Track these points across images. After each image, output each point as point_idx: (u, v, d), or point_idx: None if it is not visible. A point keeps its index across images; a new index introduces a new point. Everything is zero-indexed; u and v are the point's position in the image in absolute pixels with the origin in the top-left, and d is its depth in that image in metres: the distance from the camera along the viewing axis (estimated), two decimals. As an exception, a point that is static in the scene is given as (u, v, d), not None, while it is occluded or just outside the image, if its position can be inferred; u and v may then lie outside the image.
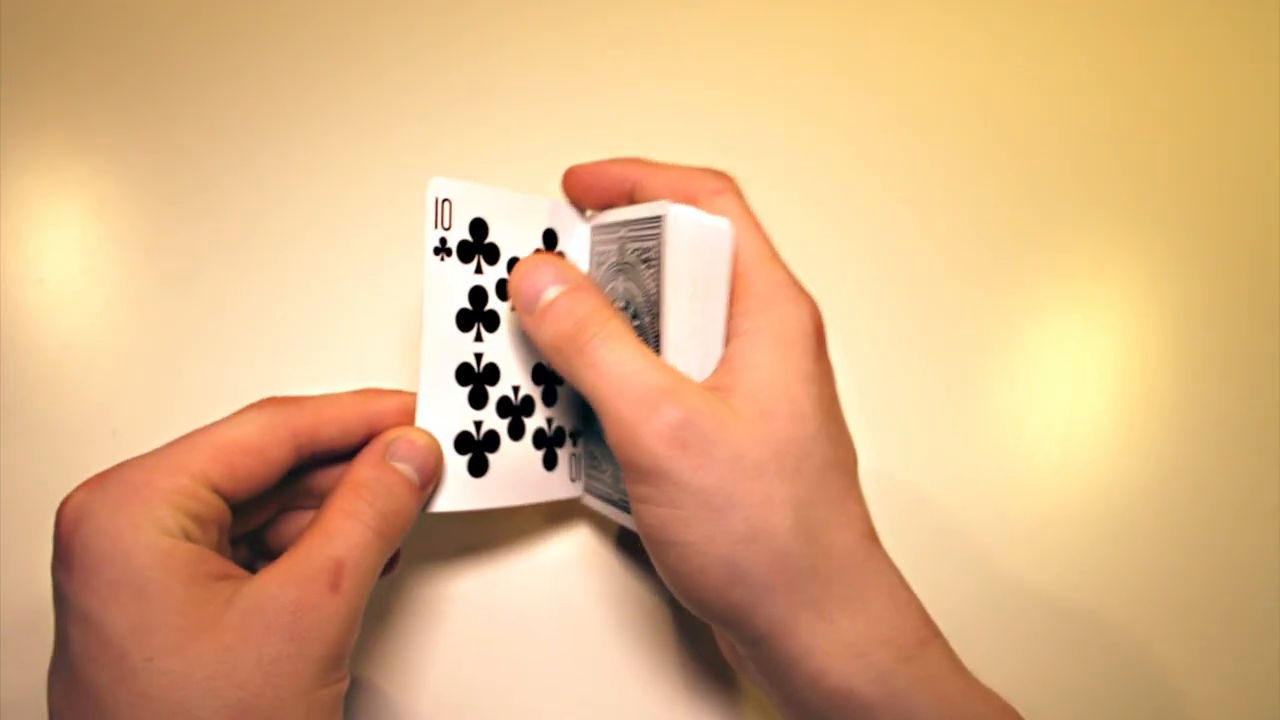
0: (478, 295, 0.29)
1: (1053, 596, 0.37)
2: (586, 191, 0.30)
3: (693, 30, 0.47)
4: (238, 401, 0.36)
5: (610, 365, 0.25)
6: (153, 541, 0.22)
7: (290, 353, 0.38)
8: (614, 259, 0.29)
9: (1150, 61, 0.49)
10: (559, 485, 0.32)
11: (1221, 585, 0.37)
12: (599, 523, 0.36)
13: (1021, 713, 0.26)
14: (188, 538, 0.23)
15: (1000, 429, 0.40)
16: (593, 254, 0.31)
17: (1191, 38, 0.49)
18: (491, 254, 0.29)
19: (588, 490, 0.32)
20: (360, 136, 0.42)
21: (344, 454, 0.27)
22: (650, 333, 0.27)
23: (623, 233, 0.28)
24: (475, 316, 0.29)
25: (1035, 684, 0.35)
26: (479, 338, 0.29)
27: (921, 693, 0.24)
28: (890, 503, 0.37)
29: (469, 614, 0.34)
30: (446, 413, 0.28)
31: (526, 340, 0.29)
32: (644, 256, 0.27)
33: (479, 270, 0.29)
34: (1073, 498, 0.39)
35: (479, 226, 0.29)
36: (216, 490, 0.24)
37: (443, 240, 0.28)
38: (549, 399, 0.31)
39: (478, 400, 0.29)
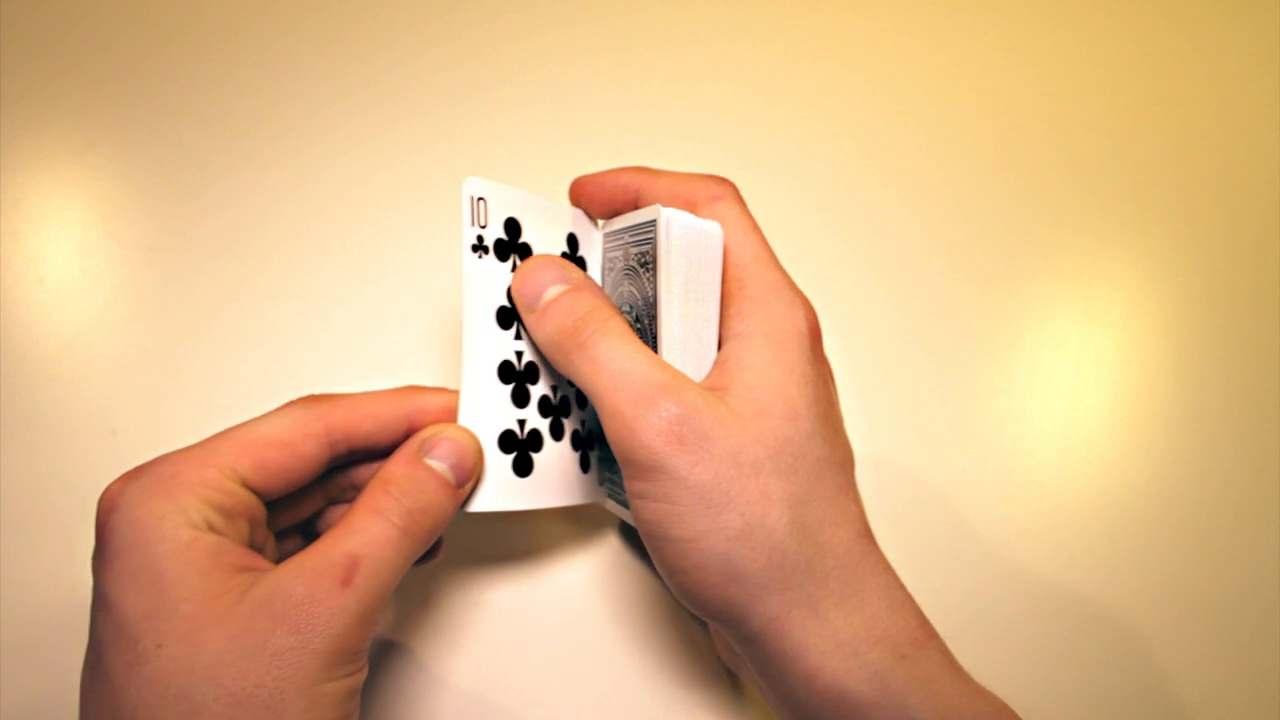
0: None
1: (1052, 596, 0.37)
2: (593, 201, 0.31)
3: (693, 30, 0.47)
4: (238, 401, 0.36)
5: (609, 361, 0.25)
6: (173, 531, 0.23)
7: (290, 353, 0.38)
8: (620, 264, 0.29)
9: (1150, 61, 0.49)
10: (592, 488, 0.32)
11: (1221, 584, 0.37)
12: (593, 522, 0.36)
13: (1019, 712, 0.26)
14: (211, 529, 0.23)
15: (1000, 429, 0.40)
16: (605, 261, 0.31)
17: (1191, 38, 0.49)
18: (525, 253, 0.29)
19: (609, 495, 0.32)
20: (360, 136, 0.42)
21: (386, 450, 0.27)
22: (650, 334, 0.27)
23: (626, 239, 0.29)
24: (514, 314, 0.29)
25: (1034, 683, 0.35)
26: (519, 335, 0.29)
27: (916, 692, 0.24)
28: (889, 502, 0.38)
29: (482, 615, 0.34)
30: (490, 411, 0.28)
31: None
32: (643, 260, 0.28)
33: (515, 269, 0.29)
34: (1072, 497, 0.39)
35: (513, 225, 0.29)
36: (246, 484, 0.25)
37: (479, 238, 0.28)
38: (582, 401, 0.31)
39: (520, 398, 0.29)
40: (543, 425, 0.29)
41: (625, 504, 0.31)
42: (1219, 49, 0.49)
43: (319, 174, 0.41)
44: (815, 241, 0.42)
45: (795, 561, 0.24)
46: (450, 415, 0.28)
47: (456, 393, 0.28)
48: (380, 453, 0.28)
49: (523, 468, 0.29)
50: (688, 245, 0.27)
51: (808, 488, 0.25)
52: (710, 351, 0.27)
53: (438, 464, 0.26)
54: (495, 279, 0.28)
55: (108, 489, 0.24)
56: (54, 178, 0.40)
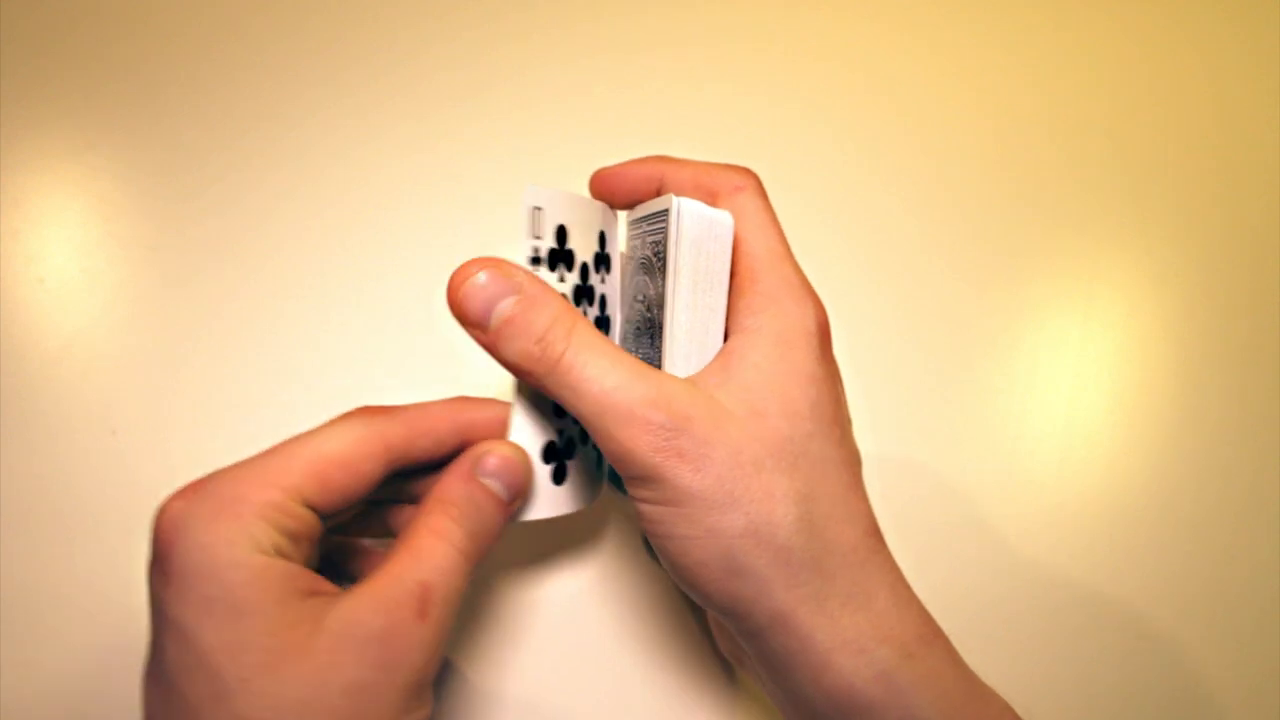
0: None
1: (1052, 596, 0.37)
2: (616, 193, 0.30)
3: (693, 30, 0.47)
4: (238, 401, 0.36)
5: (588, 383, 0.24)
6: (246, 558, 0.22)
7: (290, 353, 0.38)
8: (638, 254, 0.29)
9: (1150, 61, 0.49)
10: (604, 485, 0.32)
11: (1221, 584, 0.37)
12: (591, 519, 0.36)
13: (1021, 713, 0.26)
14: (280, 554, 0.23)
15: (1000, 429, 0.40)
16: (627, 250, 0.31)
17: (1191, 37, 0.49)
18: (570, 261, 0.29)
19: (620, 487, 0.32)
20: (361, 136, 0.42)
21: (437, 463, 0.27)
22: (658, 325, 0.27)
23: (644, 228, 0.29)
24: None
25: (1034, 683, 0.35)
26: None
27: (923, 690, 0.24)
28: (889, 502, 0.37)
29: (482, 613, 0.34)
30: (538, 425, 0.28)
31: None
32: (656, 250, 0.27)
33: (561, 279, 0.28)
34: (1072, 497, 0.39)
35: (562, 233, 0.28)
36: (309, 504, 0.24)
37: (535, 249, 0.28)
38: None
39: (560, 409, 0.29)
40: (574, 432, 0.30)
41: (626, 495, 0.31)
42: (1219, 49, 0.49)
43: (319, 174, 0.41)
44: (815, 241, 0.42)
45: (801, 558, 0.24)
46: (501, 428, 0.27)
47: (506, 405, 0.28)
48: (430, 465, 0.27)
49: (560, 475, 0.29)
50: (698, 235, 0.26)
51: (812, 485, 0.25)
52: (715, 343, 0.27)
53: (492, 482, 0.26)
54: None
55: (168, 508, 0.23)
56: (54, 178, 0.40)
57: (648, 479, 0.24)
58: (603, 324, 0.30)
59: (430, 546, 0.24)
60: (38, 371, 0.36)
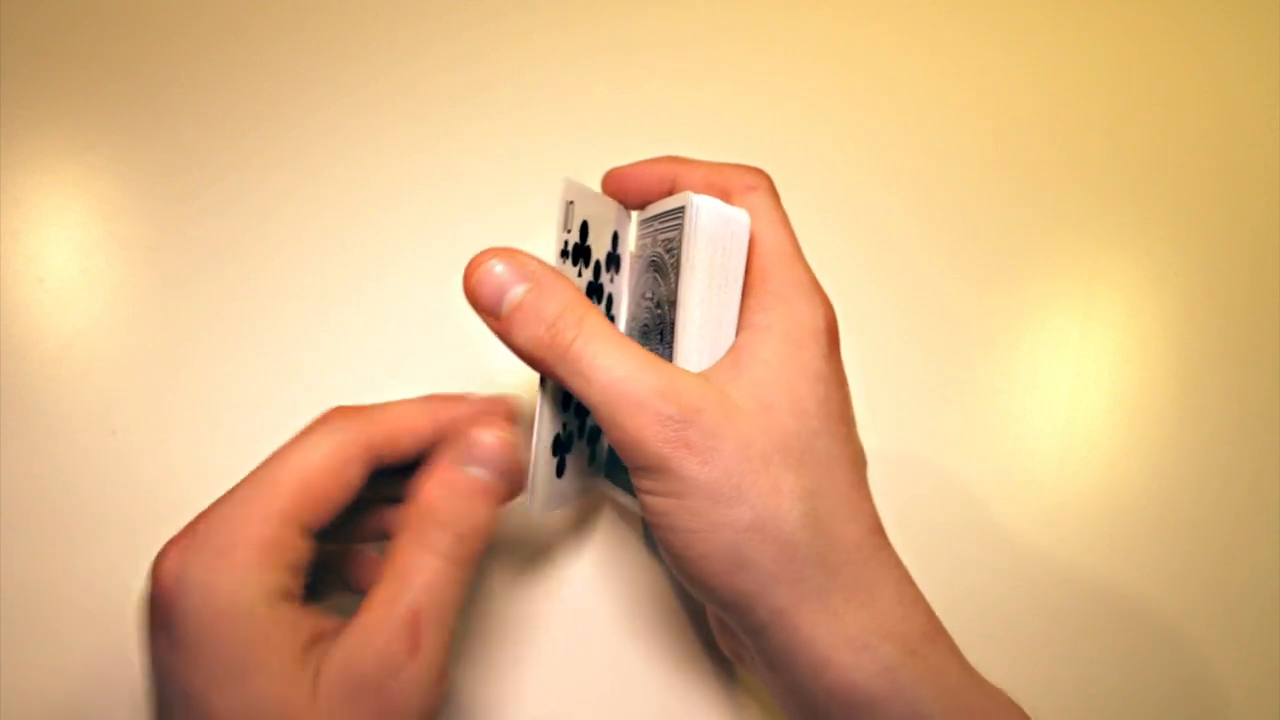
0: None
1: (1052, 596, 0.37)
2: (628, 192, 0.30)
3: (693, 31, 0.47)
4: (237, 402, 0.36)
5: (599, 372, 0.24)
6: (251, 612, 0.21)
7: (290, 353, 0.38)
8: (649, 251, 0.29)
9: (1150, 61, 0.49)
10: (596, 477, 0.32)
11: (1221, 584, 0.37)
12: (588, 514, 0.36)
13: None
14: (284, 595, 0.22)
15: (1000, 429, 0.40)
16: (636, 248, 0.31)
17: (1191, 37, 0.49)
18: (588, 258, 0.29)
19: (608, 476, 0.32)
20: (361, 136, 0.42)
21: (416, 461, 0.26)
22: (668, 321, 0.27)
23: (655, 225, 0.29)
24: None
25: (1034, 682, 0.35)
26: None
27: (927, 687, 0.24)
28: (889, 502, 0.37)
29: (480, 610, 0.34)
30: (554, 418, 0.28)
31: None
32: (669, 247, 0.27)
33: (579, 275, 0.29)
34: (1072, 497, 0.39)
35: (585, 229, 0.29)
36: (303, 527, 0.23)
37: (565, 243, 0.28)
38: None
39: (565, 401, 0.29)
40: (575, 426, 0.30)
41: (628, 490, 0.31)
42: (1219, 49, 0.49)
43: (319, 174, 0.41)
44: (815, 241, 0.42)
45: (806, 554, 0.24)
46: (478, 422, 0.26)
47: (486, 398, 0.28)
48: (412, 464, 0.26)
49: (561, 468, 0.29)
50: (715, 232, 0.26)
51: (818, 482, 0.25)
52: (727, 340, 0.27)
53: (479, 471, 0.25)
54: None
55: (166, 560, 0.22)
56: (54, 178, 0.40)
57: (655, 470, 0.24)
58: None
59: (416, 563, 0.23)
60: (38, 371, 0.36)
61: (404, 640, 0.22)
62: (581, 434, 0.30)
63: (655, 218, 0.29)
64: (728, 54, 0.46)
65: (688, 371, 0.25)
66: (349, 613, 0.23)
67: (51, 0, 0.43)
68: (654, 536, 0.26)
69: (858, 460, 0.27)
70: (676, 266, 0.27)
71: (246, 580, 0.22)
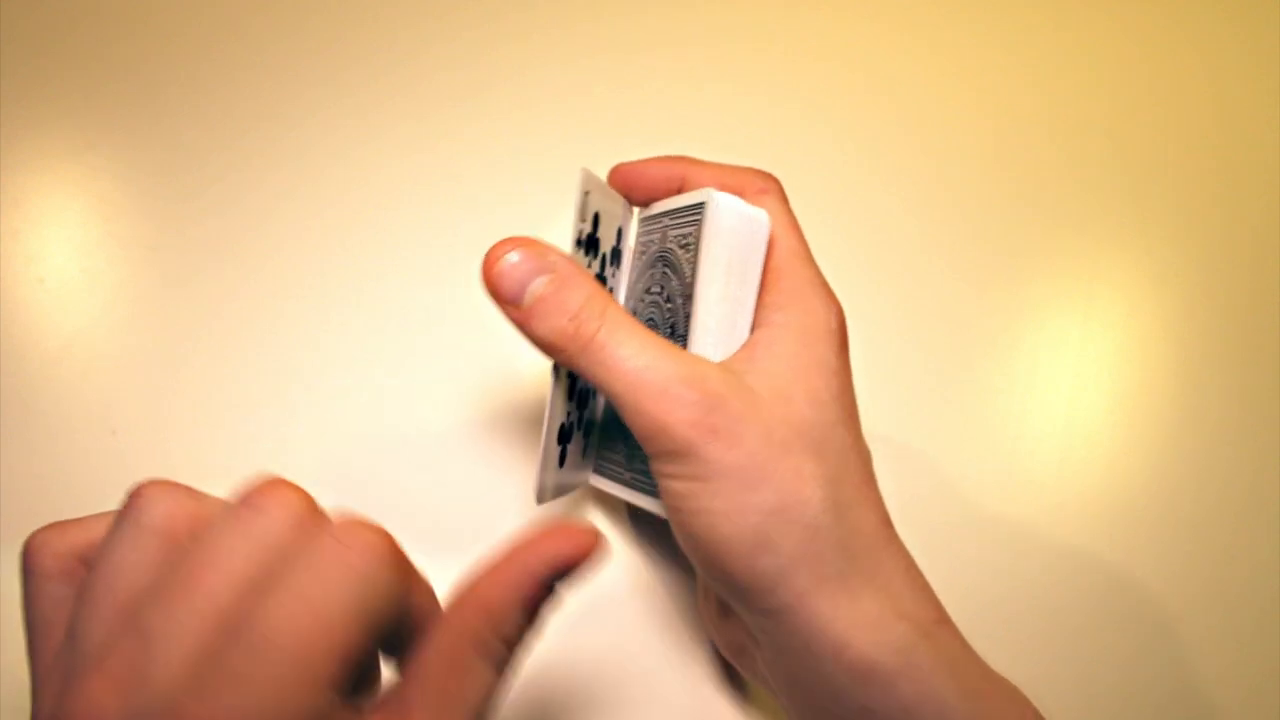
0: None
1: (1051, 596, 0.37)
2: (635, 188, 0.30)
3: (693, 30, 0.47)
4: (238, 402, 0.36)
5: (623, 360, 0.25)
6: None
7: (290, 353, 0.38)
8: (656, 248, 0.29)
9: (1150, 61, 0.49)
10: (589, 470, 0.32)
11: (1221, 584, 0.37)
12: (585, 511, 0.36)
13: (1022, 710, 0.26)
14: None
15: (1000, 429, 0.40)
16: (636, 245, 0.31)
17: (1191, 37, 0.49)
18: (597, 249, 0.29)
19: (596, 470, 0.33)
20: (361, 136, 0.42)
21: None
22: (681, 315, 0.28)
23: (665, 222, 0.29)
24: None
25: (1034, 682, 0.35)
26: None
27: (940, 666, 0.24)
28: (889, 502, 0.37)
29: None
30: (563, 407, 0.29)
31: None
32: (683, 243, 0.28)
33: (589, 265, 0.29)
34: (1072, 497, 0.39)
35: (596, 221, 0.29)
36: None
37: (581, 233, 0.28)
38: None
39: (570, 391, 0.29)
40: (575, 416, 0.30)
41: (628, 484, 0.31)
42: (1219, 49, 0.49)
43: (319, 174, 0.41)
44: (815, 242, 0.42)
45: (828, 538, 0.24)
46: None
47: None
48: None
49: (563, 458, 0.29)
50: (735, 230, 0.27)
51: (837, 470, 0.25)
52: (741, 336, 0.27)
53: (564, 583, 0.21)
54: None
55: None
56: (54, 178, 0.40)
57: (680, 454, 0.24)
58: None
59: (473, 669, 0.20)
60: (38, 371, 0.36)
61: None
62: (580, 425, 0.30)
63: (666, 214, 0.29)
64: (728, 54, 0.46)
65: (709, 360, 0.26)
66: None
67: (51, 0, 0.43)
68: (672, 523, 0.26)
69: (866, 455, 0.28)
70: (693, 262, 0.27)
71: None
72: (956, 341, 0.41)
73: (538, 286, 0.25)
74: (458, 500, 0.35)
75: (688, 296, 0.27)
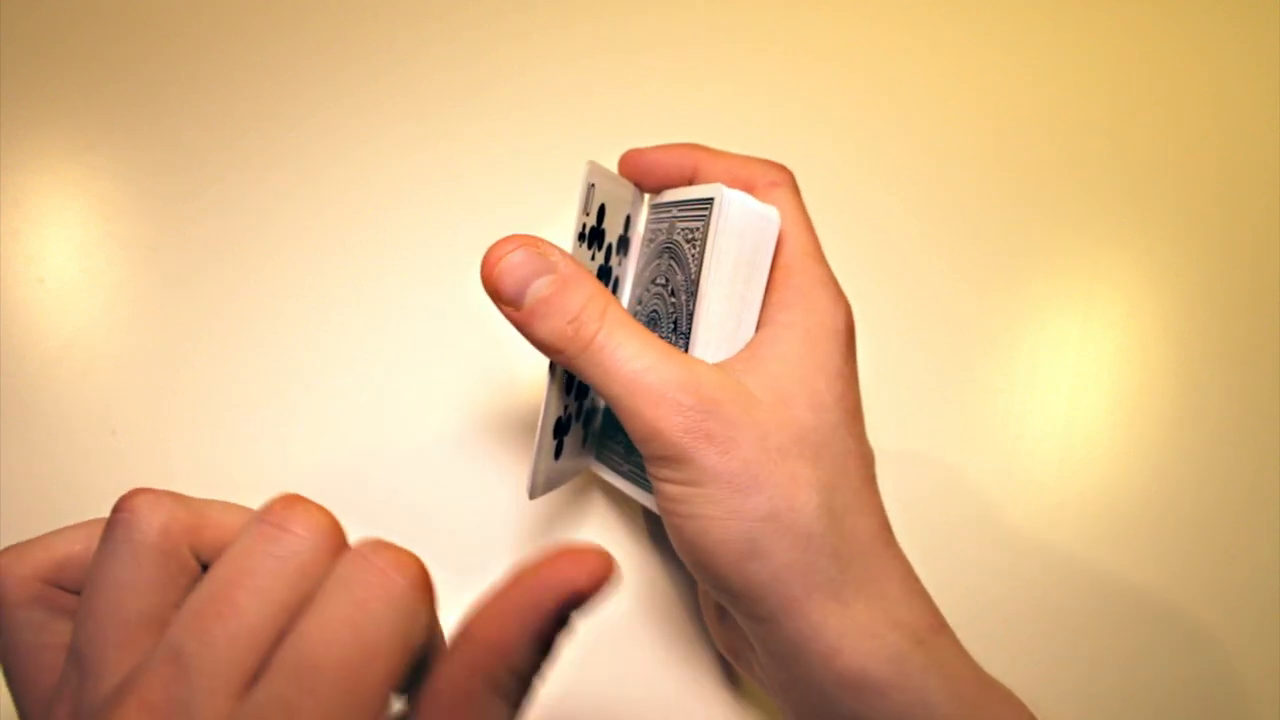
0: None
1: (1051, 596, 0.37)
2: (646, 175, 0.30)
3: (693, 30, 0.47)
4: (238, 402, 0.36)
5: (621, 364, 0.24)
6: None
7: (290, 353, 0.38)
8: (663, 238, 0.29)
9: (1150, 61, 0.49)
10: (589, 458, 0.32)
11: (1221, 584, 0.37)
12: (582, 510, 0.36)
13: (1021, 712, 0.26)
14: None
15: (1000, 429, 0.40)
16: (646, 233, 0.31)
17: (1191, 37, 0.49)
18: (601, 240, 0.29)
19: (598, 458, 0.32)
20: (361, 136, 0.42)
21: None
22: (684, 311, 0.27)
23: (674, 212, 0.29)
24: None
25: (1034, 683, 0.35)
26: None
27: (933, 676, 0.24)
28: (889, 502, 0.37)
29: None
30: (560, 402, 0.29)
31: None
32: (690, 237, 0.27)
33: (592, 258, 0.29)
34: (1072, 497, 0.39)
35: (601, 213, 0.29)
36: None
37: (584, 226, 0.28)
38: None
39: (569, 384, 0.29)
40: (574, 406, 0.30)
41: (625, 476, 0.31)
42: (1219, 49, 0.49)
43: (319, 174, 0.41)
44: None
45: (820, 545, 0.24)
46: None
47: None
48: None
49: (559, 451, 0.29)
50: (744, 227, 0.26)
51: (834, 475, 0.25)
52: (746, 334, 0.27)
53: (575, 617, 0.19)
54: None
55: None
56: (54, 178, 0.40)
57: (674, 459, 0.24)
58: None
59: (487, 708, 0.18)
60: (38, 371, 0.36)
61: None
62: (578, 416, 0.30)
63: (675, 204, 0.29)
64: (728, 54, 0.46)
65: (706, 363, 0.26)
66: None
67: (51, 0, 0.43)
68: (666, 524, 0.26)
69: (868, 458, 0.27)
70: (699, 258, 0.27)
71: None
72: (956, 341, 0.41)
73: (539, 288, 0.25)
74: (458, 500, 0.35)
75: (692, 293, 0.27)
